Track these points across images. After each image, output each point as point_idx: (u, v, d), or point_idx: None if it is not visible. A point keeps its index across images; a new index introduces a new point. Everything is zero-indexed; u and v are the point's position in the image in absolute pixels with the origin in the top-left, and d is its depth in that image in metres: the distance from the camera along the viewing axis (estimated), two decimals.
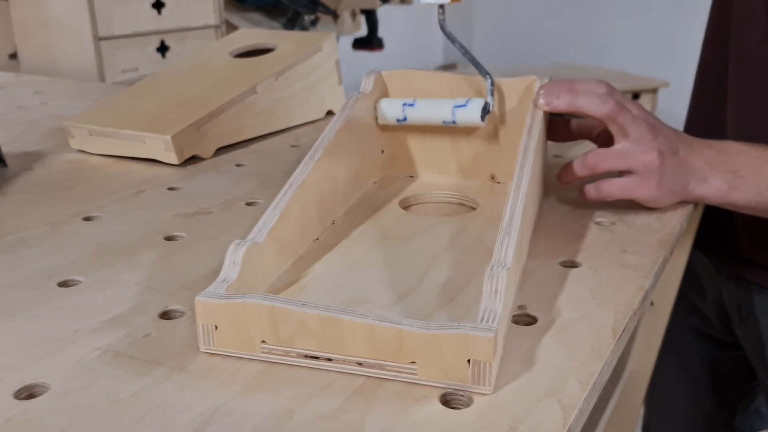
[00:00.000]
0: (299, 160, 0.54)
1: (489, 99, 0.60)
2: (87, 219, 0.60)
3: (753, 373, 0.82)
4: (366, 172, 0.65)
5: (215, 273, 0.45)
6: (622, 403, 0.70)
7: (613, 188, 0.57)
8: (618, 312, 0.44)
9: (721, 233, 0.76)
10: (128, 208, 0.63)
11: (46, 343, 0.41)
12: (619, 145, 0.56)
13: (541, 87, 0.57)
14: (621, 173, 0.57)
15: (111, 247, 0.54)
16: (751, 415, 0.89)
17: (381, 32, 2.79)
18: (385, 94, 0.66)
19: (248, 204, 0.64)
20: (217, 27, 1.92)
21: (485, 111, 0.60)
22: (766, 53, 0.67)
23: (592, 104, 0.55)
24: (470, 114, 0.60)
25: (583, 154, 0.57)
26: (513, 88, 0.63)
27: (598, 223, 0.58)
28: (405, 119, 0.62)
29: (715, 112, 0.75)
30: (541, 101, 0.56)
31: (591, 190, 0.58)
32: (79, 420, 0.34)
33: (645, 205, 0.58)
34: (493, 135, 0.65)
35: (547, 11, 3.95)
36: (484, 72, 0.60)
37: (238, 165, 0.76)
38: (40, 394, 0.36)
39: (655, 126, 0.56)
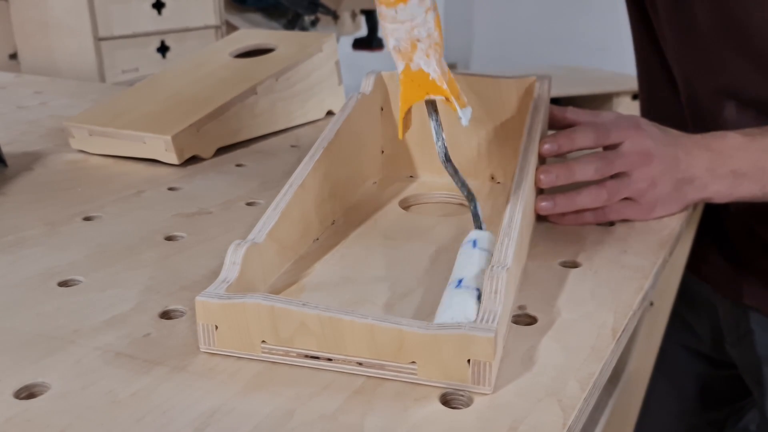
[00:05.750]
0: (299, 160, 0.54)
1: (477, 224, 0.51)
2: (87, 219, 0.60)
3: (743, 393, 0.82)
4: (366, 172, 0.65)
5: (215, 273, 0.45)
6: (621, 403, 0.70)
7: (611, 213, 0.57)
8: (618, 312, 0.44)
9: (718, 261, 0.76)
10: (128, 208, 0.63)
11: (46, 343, 0.41)
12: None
13: (540, 170, 0.55)
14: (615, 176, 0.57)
15: (111, 247, 0.54)
16: None
17: (381, 32, 2.79)
18: (385, 94, 0.66)
19: (248, 204, 0.64)
20: (217, 27, 1.92)
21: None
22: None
23: (588, 173, 0.56)
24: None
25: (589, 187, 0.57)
26: (513, 88, 0.63)
27: (598, 224, 0.58)
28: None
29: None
30: (542, 176, 0.56)
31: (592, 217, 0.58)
32: (79, 420, 0.34)
33: None
34: (493, 135, 0.65)
35: (547, 12, 3.95)
36: (469, 197, 0.50)
37: (238, 165, 0.76)
38: (40, 394, 0.36)
39: (649, 151, 0.56)
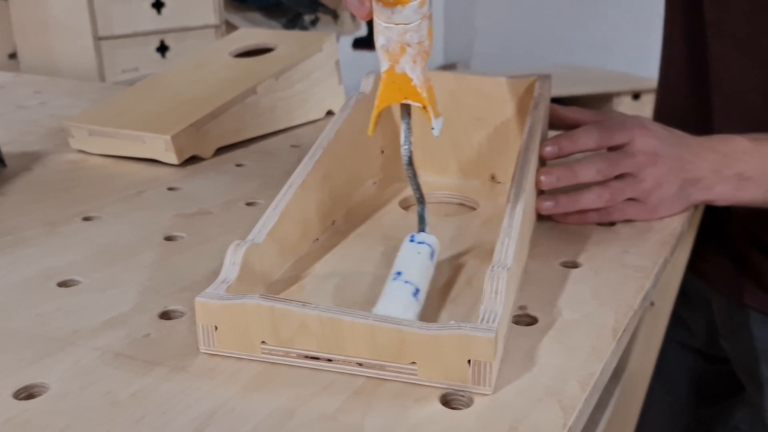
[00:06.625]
0: (299, 160, 0.54)
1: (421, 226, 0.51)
2: (87, 219, 0.60)
3: (734, 389, 0.81)
4: (366, 172, 0.65)
5: (215, 273, 0.45)
6: (622, 403, 0.70)
7: (615, 213, 0.57)
8: (618, 312, 0.44)
9: (716, 261, 0.76)
10: (128, 208, 0.63)
11: (46, 343, 0.41)
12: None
13: (540, 172, 0.56)
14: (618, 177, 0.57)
15: (111, 247, 0.54)
16: (730, 431, 0.88)
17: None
18: None
19: (248, 204, 0.64)
20: (217, 27, 1.92)
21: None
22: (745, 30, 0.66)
23: (590, 175, 0.56)
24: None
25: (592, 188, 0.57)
26: (513, 88, 0.63)
27: (598, 224, 0.57)
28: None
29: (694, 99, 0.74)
30: (542, 178, 0.55)
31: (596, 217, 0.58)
32: (78, 420, 0.34)
33: None
34: (494, 135, 0.65)
35: (548, 12, 3.95)
36: (420, 200, 0.51)
37: (238, 165, 0.76)
38: (40, 395, 0.36)
39: (656, 151, 0.55)
